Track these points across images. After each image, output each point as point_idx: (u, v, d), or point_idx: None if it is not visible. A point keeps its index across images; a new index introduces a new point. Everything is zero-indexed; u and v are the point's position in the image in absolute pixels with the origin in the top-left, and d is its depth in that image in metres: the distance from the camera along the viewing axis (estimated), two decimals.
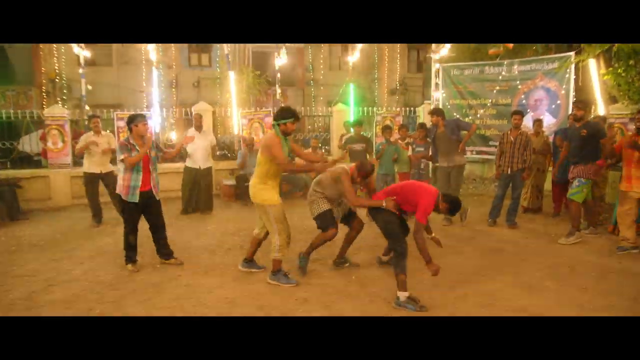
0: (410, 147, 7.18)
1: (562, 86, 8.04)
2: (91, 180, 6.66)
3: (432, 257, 3.86)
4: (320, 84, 18.91)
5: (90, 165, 6.61)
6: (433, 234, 4.29)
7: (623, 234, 5.16)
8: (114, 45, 16.35)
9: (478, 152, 9.27)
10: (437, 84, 9.62)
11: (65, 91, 15.78)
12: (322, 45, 18.11)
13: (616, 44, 6.41)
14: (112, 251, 5.32)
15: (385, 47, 19.33)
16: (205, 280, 4.39)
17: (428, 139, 6.84)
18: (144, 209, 4.67)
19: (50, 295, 4.03)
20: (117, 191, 4.61)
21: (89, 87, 10.07)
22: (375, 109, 10.94)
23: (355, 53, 12.77)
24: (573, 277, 4.39)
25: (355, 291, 4.08)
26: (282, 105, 11.60)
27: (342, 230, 4.58)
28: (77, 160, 8.57)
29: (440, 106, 9.11)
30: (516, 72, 8.59)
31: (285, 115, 4.08)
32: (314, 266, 4.64)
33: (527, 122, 7.84)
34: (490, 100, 8.93)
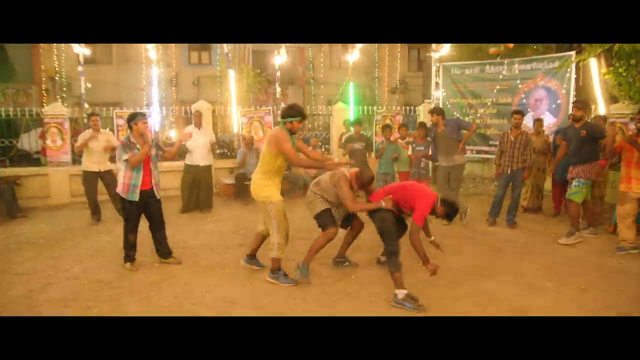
0: (410, 146, 7.16)
1: (562, 85, 8.02)
2: (90, 178, 6.65)
3: (432, 256, 3.87)
4: (321, 82, 18.88)
5: (89, 163, 6.60)
6: (432, 238, 4.28)
7: (622, 234, 5.15)
8: (114, 44, 16.32)
9: (478, 152, 9.25)
10: (437, 83, 9.60)
11: (65, 89, 15.75)
12: (323, 44, 18.08)
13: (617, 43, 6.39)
14: (110, 249, 5.31)
15: (386, 46, 19.31)
16: (204, 279, 4.38)
17: (428, 138, 6.83)
18: (144, 207, 4.66)
19: (49, 293, 4.02)
20: (118, 189, 4.60)
21: (88, 85, 10.03)
22: (375, 107, 10.92)
23: (356, 52, 12.74)
24: (573, 277, 4.37)
25: (355, 291, 4.07)
26: (284, 103, 11.60)
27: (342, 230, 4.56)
28: (76, 159, 8.55)
29: (441, 105, 9.10)
30: (517, 71, 8.57)
31: (293, 113, 4.05)
32: (313, 265, 4.61)
33: (528, 122, 7.82)
34: (490, 100, 8.91)
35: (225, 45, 13.51)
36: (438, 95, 9.54)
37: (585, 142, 5.38)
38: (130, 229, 4.64)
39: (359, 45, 12.68)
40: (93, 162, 6.58)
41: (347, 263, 4.71)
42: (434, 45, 9.73)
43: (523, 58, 8.69)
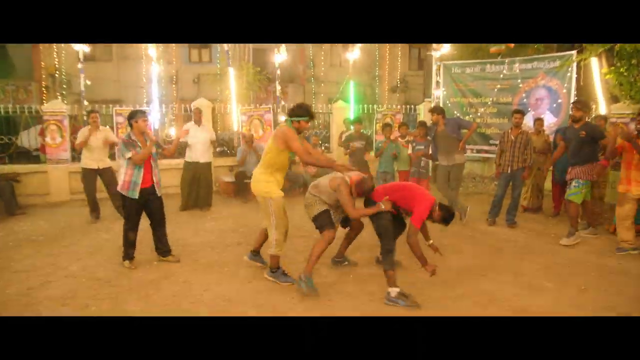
0: (410, 145, 7.15)
1: (563, 85, 8.01)
2: (89, 176, 6.63)
3: (431, 256, 3.90)
4: (321, 80, 18.84)
5: (88, 160, 6.58)
6: (431, 241, 4.27)
7: (622, 235, 5.13)
8: None
9: (478, 151, 9.24)
10: (437, 82, 9.58)
11: (65, 86, 15.71)
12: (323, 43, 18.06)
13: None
14: (109, 247, 5.30)
15: (387, 45, 19.26)
16: (203, 277, 4.37)
17: (428, 137, 6.81)
18: (144, 205, 4.65)
19: (47, 291, 4.01)
20: (119, 187, 4.59)
21: (88, 83, 9.99)
22: (375, 106, 10.89)
23: (356, 50, 12.72)
24: (573, 277, 4.36)
25: (354, 290, 4.06)
26: (285, 101, 11.58)
27: (342, 229, 4.55)
28: (76, 156, 8.53)
29: (441, 104, 9.08)
30: (517, 71, 8.55)
31: (301, 112, 4.03)
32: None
33: (528, 121, 7.81)
34: (491, 99, 8.89)
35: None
36: (438, 94, 9.52)
37: (584, 142, 5.34)
38: (130, 227, 4.63)
39: (360, 44, 12.66)
40: (92, 159, 6.56)
41: (346, 262, 4.70)
42: (434, 44, 9.70)
43: (524, 57, 8.68)
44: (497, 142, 7.00)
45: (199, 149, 7.31)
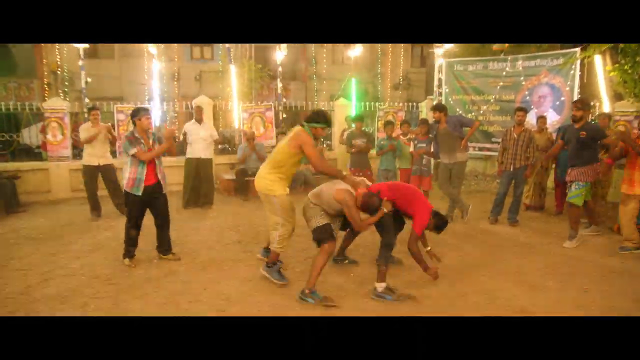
0: (412, 143, 7.11)
1: (566, 82, 7.95)
2: (90, 173, 6.62)
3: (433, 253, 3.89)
4: (323, 78, 18.78)
5: (90, 157, 6.57)
6: (429, 247, 4.27)
7: (626, 234, 5.09)
8: None
9: (480, 149, 9.19)
10: (440, 79, 9.53)
11: (67, 83, 15.71)
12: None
13: None
14: (110, 245, 5.29)
15: None
16: (203, 276, 4.36)
17: (430, 135, 6.77)
18: (149, 203, 4.64)
19: (46, 289, 4.00)
20: (124, 185, 4.57)
21: (88, 80, 9.98)
22: (377, 104, 10.85)
23: (358, 48, 12.68)
24: (574, 277, 4.33)
25: (354, 288, 4.04)
26: (286, 99, 11.54)
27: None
28: (77, 153, 8.53)
29: (443, 102, 9.04)
30: (520, 68, 8.50)
31: (318, 119, 3.99)
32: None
33: (531, 119, 7.76)
34: (493, 96, 8.84)
35: None
36: (441, 91, 9.47)
37: (584, 143, 5.19)
38: (133, 225, 4.62)
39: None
40: (94, 156, 6.55)
41: (346, 261, 4.67)
42: None
43: (527, 54, 8.61)
44: (500, 140, 6.95)
45: (200, 146, 7.29)
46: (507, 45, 8.99)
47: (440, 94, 9.61)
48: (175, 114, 12.15)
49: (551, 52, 8.40)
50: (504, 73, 8.66)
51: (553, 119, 8.00)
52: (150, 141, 4.60)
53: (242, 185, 8.23)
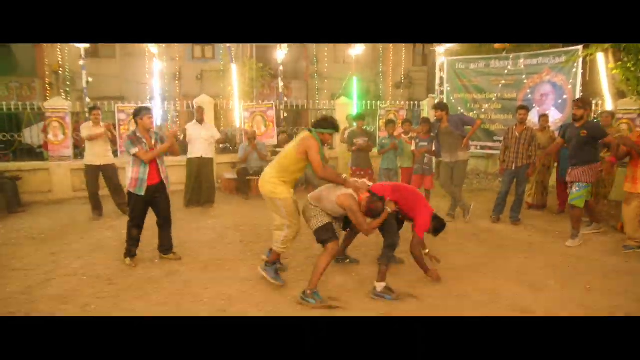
0: (413, 142, 7.08)
1: (569, 81, 7.90)
2: (92, 173, 6.62)
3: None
4: (325, 77, 18.76)
5: (91, 157, 6.57)
6: (427, 250, 4.28)
7: (630, 233, 5.06)
8: None
9: (482, 147, 9.15)
10: (441, 78, 9.49)
11: (68, 83, 15.73)
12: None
13: None
14: (111, 245, 5.29)
15: None
16: (204, 275, 4.35)
17: (432, 134, 6.74)
18: (151, 202, 4.64)
19: (47, 289, 4.00)
20: (127, 185, 4.56)
21: (90, 80, 9.99)
22: (379, 102, 10.83)
23: (360, 46, 12.65)
24: (577, 276, 4.30)
25: (355, 288, 4.02)
26: (288, 98, 11.52)
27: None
28: (78, 153, 8.54)
29: (445, 100, 9.00)
30: (522, 66, 8.45)
31: (326, 125, 3.97)
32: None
33: (533, 117, 7.72)
34: (495, 95, 8.80)
35: None
36: (442, 90, 9.43)
37: (585, 142, 5.14)
38: (135, 225, 4.62)
39: None
40: (95, 155, 6.55)
41: (348, 260, 4.66)
42: None
43: (529, 53, 8.56)
44: (501, 138, 6.92)
45: (200, 145, 7.28)
46: (508, 44, 8.95)
47: (441, 93, 9.57)
48: (177, 114, 12.14)
49: (553, 50, 8.35)
50: (506, 71, 8.62)
51: (555, 117, 7.96)
52: (153, 140, 4.59)
53: (244, 185, 8.23)
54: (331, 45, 19.22)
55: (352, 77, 12.31)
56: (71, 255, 4.95)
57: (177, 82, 17.39)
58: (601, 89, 8.57)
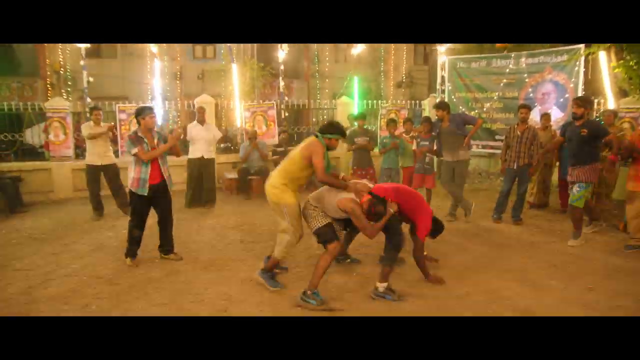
0: (414, 141, 7.07)
1: (570, 79, 7.88)
2: (92, 173, 6.62)
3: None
4: (326, 76, 18.73)
5: (92, 156, 6.57)
6: (425, 252, 4.26)
7: (634, 232, 5.03)
8: None
9: (484, 146, 9.13)
10: (443, 77, 9.47)
11: (69, 83, 15.74)
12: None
13: None
14: (112, 245, 5.29)
15: None
16: (204, 275, 4.34)
17: (433, 133, 6.73)
18: (153, 202, 4.63)
19: (48, 290, 4.00)
20: (129, 185, 4.56)
21: (90, 79, 9.99)
22: (380, 102, 10.81)
23: (361, 46, 12.63)
24: (579, 275, 4.28)
25: (356, 288, 4.01)
26: (289, 97, 11.51)
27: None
28: (79, 153, 8.54)
29: (446, 99, 8.99)
30: (524, 65, 8.43)
31: (333, 130, 3.96)
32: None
33: (535, 116, 7.69)
34: (497, 94, 8.78)
35: None
36: (444, 89, 9.41)
37: (585, 141, 5.07)
38: (136, 224, 4.61)
39: None
40: (97, 155, 6.55)
41: (348, 260, 4.65)
42: None
43: (530, 51, 8.53)
44: (503, 137, 6.90)
45: (202, 146, 7.28)
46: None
47: (443, 92, 9.55)
48: (178, 113, 12.14)
49: (555, 48, 8.31)
50: (507, 70, 8.59)
51: (557, 116, 7.93)
52: (155, 140, 4.58)
53: (245, 184, 8.22)
54: (332, 45, 19.21)
55: (353, 77, 12.30)
56: (72, 255, 4.95)
57: (178, 81, 17.39)
58: (603, 87, 8.53)
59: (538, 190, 7.13)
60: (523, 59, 8.42)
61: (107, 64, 16.41)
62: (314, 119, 12.67)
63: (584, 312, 3.49)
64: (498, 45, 9.25)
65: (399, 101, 11.15)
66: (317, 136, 3.94)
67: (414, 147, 7.00)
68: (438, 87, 9.75)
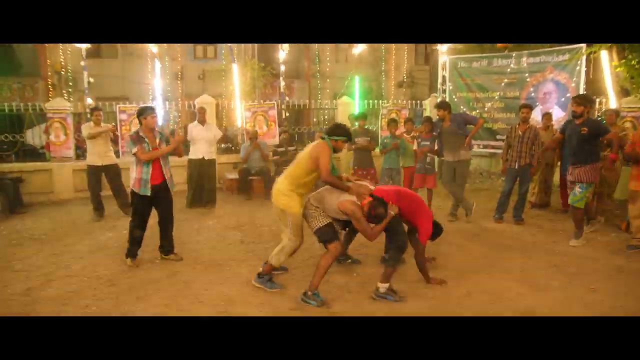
0: (415, 141, 7.05)
1: (572, 79, 7.85)
2: (93, 173, 6.62)
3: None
4: (327, 76, 18.73)
5: (93, 157, 6.57)
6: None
7: (635, 232, 5.01)
8: None
9: (485, 146, 9.11)
10: (444, 77, 9.45)
11: (70, 83, 15.76)
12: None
13: None
14: (112, 246, 5.28)
15: None
16: (204, 276, 4.33)
17: (434, 133, 6.71)
18: (154, 202, 4.63)
19: (48, 291, 3.99)
20: (131, 186, 4.55)
21: (91, 80, 10.00)
22: (381, 101, 10.79)
23: (362, 45, 12.64)
24: (581, 276, 4.26)
25: (357, 288, 4.00)
26: (289, 97, 11.51)
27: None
28: (80, 153, 8.54)
29: (447, 99, 8.96)
30: (525, 65, 8.40)
31: (339, 132, 3.97)
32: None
33: (536, 116, 7.67)
34: (498, 93, 8.76)
35: None
36: (445, 89, 9.39)
37: (586, 140, 5.02)
38: (137, 225, 4.60)
39: None
40: (97, 155, 6.54)
41: (349, 260, 4.63)
42: None
43: (532, 51, 8.51)
44: (504, 137, 6.87)
45: (202, 146, 7.26)
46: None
47: (444, 92, 9.53)
48: (179, 114, 12.15)
49: (556, 48, 8.28)
50: (509, 70, 8.57)
51: (558, 115, 7.90)
52: (157, 140, 4.58)
53: (246, 185, 8.21)
54: (333, 44, 19.20)
55: (354, 76, 12.30)
56: (72, 256, 4.95)
57: (179, 82, 17.40)
58: (605, 86, 8.50)
59: (539, 190, 7.11)
60: (524, 59, 8.40)
61: (107, 64, 16.43)
62: (314, 119, 12.66)
63: (586, 312, 3.48)
64: (499, 45, 9.23)
65: (399, 101, 11.14)
66: (323, 138, 3.95)
67: (415, 147, 6.98)
68: (439, 86, 9.73)
